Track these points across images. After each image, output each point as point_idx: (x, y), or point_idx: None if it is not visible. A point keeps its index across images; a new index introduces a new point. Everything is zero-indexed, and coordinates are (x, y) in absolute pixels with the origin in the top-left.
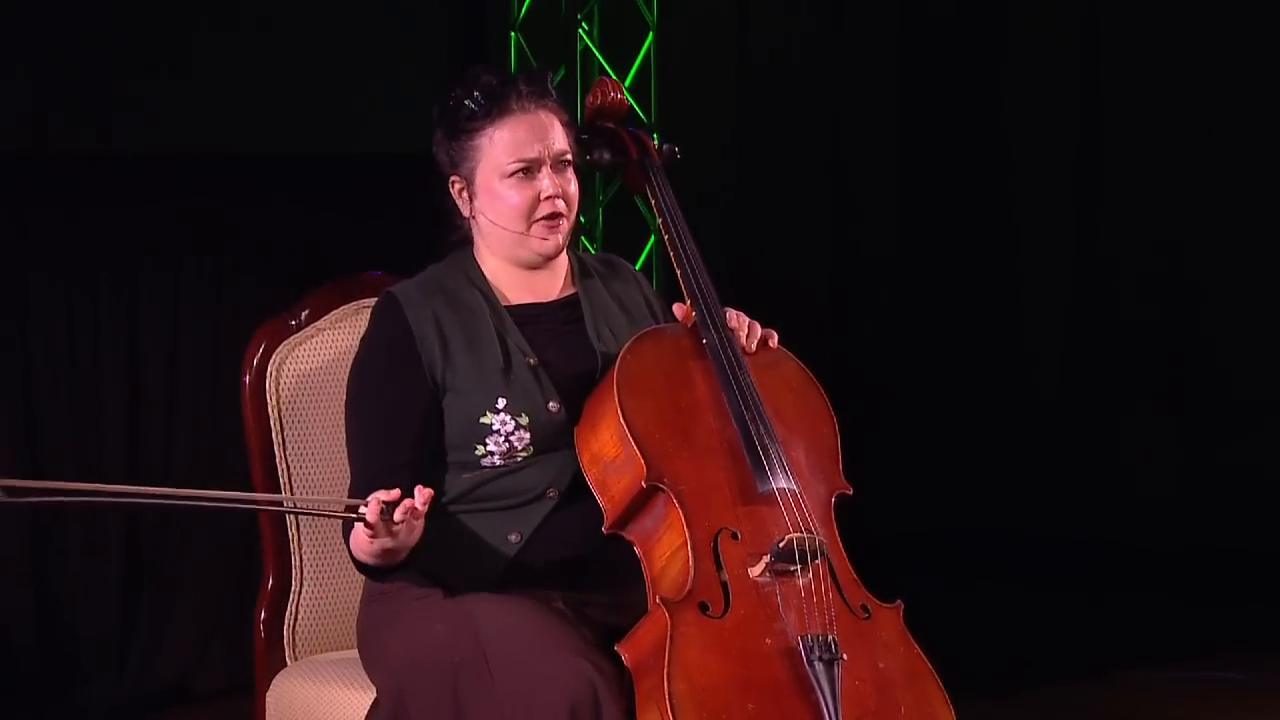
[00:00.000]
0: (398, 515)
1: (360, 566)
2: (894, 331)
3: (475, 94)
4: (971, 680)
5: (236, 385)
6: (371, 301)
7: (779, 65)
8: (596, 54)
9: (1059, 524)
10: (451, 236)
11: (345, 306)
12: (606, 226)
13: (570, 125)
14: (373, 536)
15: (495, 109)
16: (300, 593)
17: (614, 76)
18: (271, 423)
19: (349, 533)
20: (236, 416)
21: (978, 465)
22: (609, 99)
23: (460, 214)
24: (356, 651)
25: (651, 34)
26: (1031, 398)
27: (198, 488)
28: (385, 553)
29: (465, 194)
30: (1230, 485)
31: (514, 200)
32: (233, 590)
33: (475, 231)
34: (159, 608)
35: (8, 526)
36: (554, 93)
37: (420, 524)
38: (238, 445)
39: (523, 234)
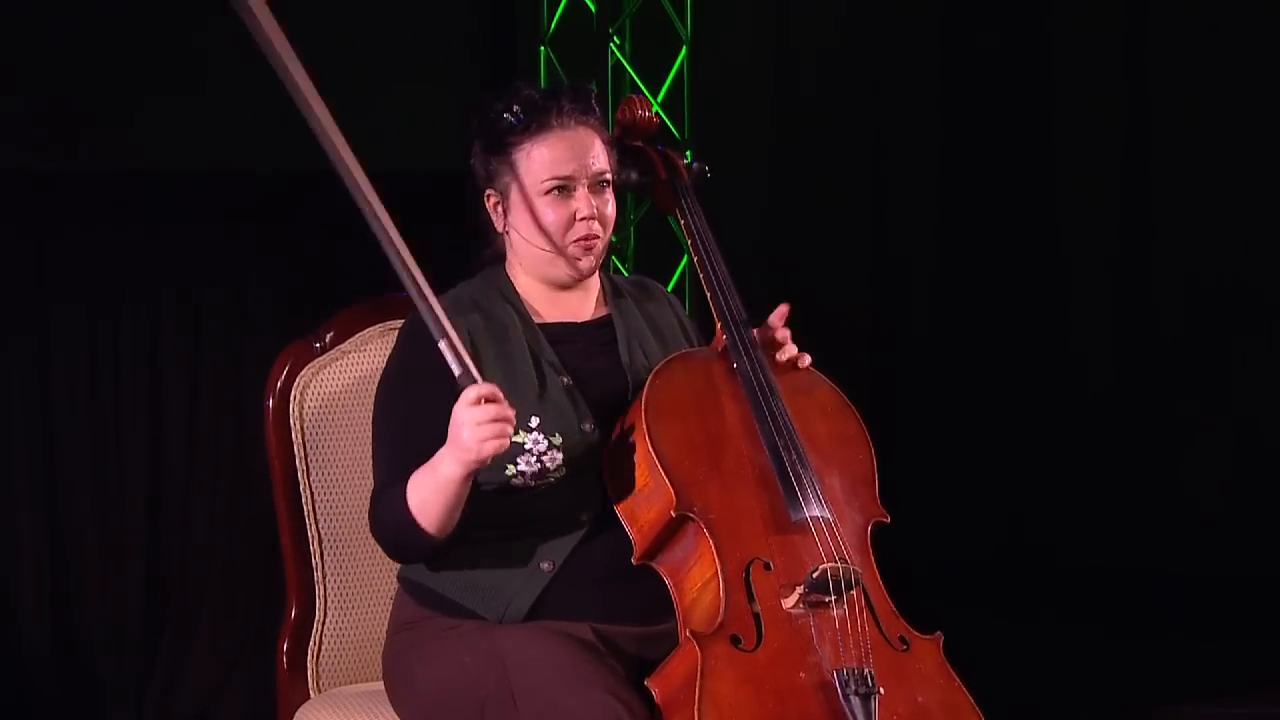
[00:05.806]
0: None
1: (412, 539)
2: (935, 355)
3: (515, 108)
4: (1014, 714)
5: (259, 409)
6: (398, 323)
7: (816, 79)
8: (628, 68)
9: (1101, 554)
10: (484, 251)
11: (370, 329)
12: (638, 247)
13: (612, 144)
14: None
15: (534, 124)
16: (324, 623)
17: (646, 91)
18: (295, 447)
19: (389, 512)
20: (259, 441)
21: (1019, 494)
22: (637, 117)
23: (494, 229)
24: (382, 683)
25: (685, 48)
26: (1073, 426)
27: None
28: (458, 490)
29: (500, 209)
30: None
31: (549, 218)
32: (255, 620)
33: (508, 248)
34: (180, 638)
35: (28, 556)
36: (597, 110)
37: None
38: (261, 470)
39: (556, 253)
